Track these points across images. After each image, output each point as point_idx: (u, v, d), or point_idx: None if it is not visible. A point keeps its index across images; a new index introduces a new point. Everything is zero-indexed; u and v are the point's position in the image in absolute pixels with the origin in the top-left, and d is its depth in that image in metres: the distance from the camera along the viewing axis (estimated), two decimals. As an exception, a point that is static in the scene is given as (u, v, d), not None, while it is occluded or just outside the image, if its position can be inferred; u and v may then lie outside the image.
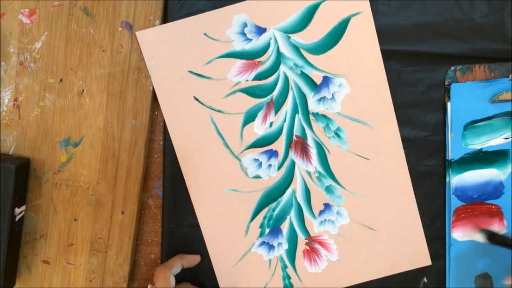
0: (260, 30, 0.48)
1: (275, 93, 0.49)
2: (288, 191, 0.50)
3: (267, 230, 0.50)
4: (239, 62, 0.49)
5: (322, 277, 0.51)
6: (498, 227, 0.50)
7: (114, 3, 0.48)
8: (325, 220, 0.50)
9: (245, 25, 0.48)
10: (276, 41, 0.48)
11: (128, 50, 0.49)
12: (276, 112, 0.49)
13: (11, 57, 0.49)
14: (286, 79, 0.49)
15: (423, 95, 0.49)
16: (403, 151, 0.49)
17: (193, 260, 0.49)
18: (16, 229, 0.48)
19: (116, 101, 0.49)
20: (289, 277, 0.51)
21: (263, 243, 0.51)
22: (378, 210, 0.50)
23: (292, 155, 0.50)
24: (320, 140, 0.49)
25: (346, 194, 0.50)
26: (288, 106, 0.49)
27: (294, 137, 0.49)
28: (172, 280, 0.44)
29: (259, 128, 0.49)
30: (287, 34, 0.48)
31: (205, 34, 0.48)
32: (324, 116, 0.49)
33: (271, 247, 0.51)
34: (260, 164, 0.50)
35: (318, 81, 0.49)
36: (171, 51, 0.48)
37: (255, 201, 0.50)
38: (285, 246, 0.51)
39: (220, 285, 0.51)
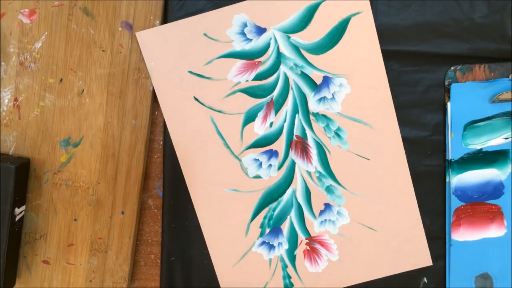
0: (260, 30, 0.48)
1: (275, 93, 0.49)
2: (289, 191, 0.50)
3: (268, 230, 0.50)
4: (239, 62, 0.49)
5: (322, 277, 0.51)
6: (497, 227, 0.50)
7: (114, 3, 0.48)
8: (326, 220, 0.50)
9: (245, 25, 0.48)
10: (276, 41, 0.48)
11: (128, 50, 0.49)
12: (276, 112, 0.49)
13: (11, 57, 0.49)
14: (286, 79, 0.49)
15: (423, 95, 0.49)
16: (403, 151, 0.49)
17: None
18: (16, 229, 0.48)
19: (116, 101, 0.49)
20: (289, 277, 0.51)
21: (263, 242, 0.51)
22: (379, 210, 0.50)
23: (292, 155, 0.50)
24: (321, 140, 0.49)
25: (347, 194, 0.50)
26: (288, 106, 0.49)
27: (294, 137, 0.49)
28: None
29: (259, 128, 0.49)
30: (287, 34, 0.48)
31: (205, 34, 0.48)
32: (324, 116, 0.49)
33: (271, 247, 0.51)
34: (260, 164, 0.50)
35: (318, 81, 0.49)
36: (171, 51, 0.48)
37: (255, 201, 0.50)
38: (286, 246, 0.51)
39: (220, 284, 0.51)
